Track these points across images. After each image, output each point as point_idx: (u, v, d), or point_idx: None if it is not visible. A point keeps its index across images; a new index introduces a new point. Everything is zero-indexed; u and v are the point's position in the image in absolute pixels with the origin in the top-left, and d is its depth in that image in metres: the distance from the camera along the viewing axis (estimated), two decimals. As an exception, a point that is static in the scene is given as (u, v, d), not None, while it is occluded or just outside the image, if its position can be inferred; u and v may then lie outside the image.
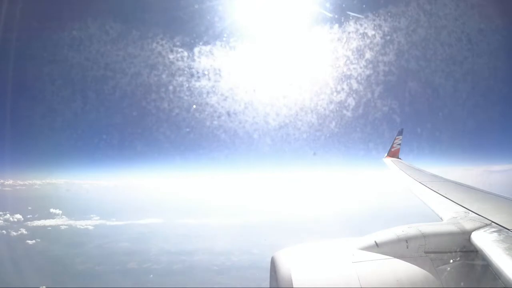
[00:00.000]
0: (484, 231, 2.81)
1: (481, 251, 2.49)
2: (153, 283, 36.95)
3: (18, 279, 31.28)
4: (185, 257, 43.67)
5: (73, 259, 41.53)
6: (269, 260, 2.63)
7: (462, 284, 2.53)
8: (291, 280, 2.32)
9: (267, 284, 2.68)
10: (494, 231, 2.78)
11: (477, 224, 2.95)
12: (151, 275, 38.56)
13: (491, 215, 3.23)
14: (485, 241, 2.59)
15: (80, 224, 58.28)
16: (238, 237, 49.63)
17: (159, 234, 52.77)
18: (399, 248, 2.62)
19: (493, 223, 3.01)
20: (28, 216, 56.71)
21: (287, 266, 2.41)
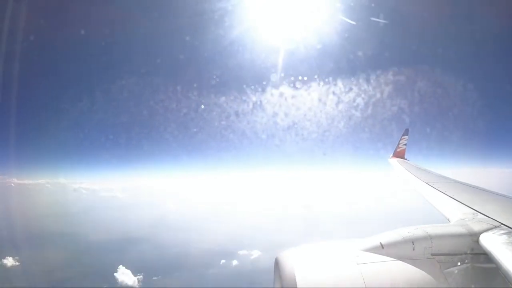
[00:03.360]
0: (493, 233, 2.76)
1: (490, 253, 2.44)
2: (156, 283, 37.21)
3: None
4: (187, 256, 43.87)
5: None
6: (273, 260, 2.61)
7: (470, 287, 2.48)
8: (295, 281, 2.30)
9: (271, 284, 2.67)
10: (503, 233, 2.72)
11: (486, 226, 2.89)
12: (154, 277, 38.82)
13: (500, 217, 3.17)
14: (495, 244, 2.54)
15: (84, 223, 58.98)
16: (241, 237, 49.68)
17: (164, 233, 53.10)
18: (405, 249, 2.57)
19: (502, 225, 2.95)
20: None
21: (291, 267, 2.39)
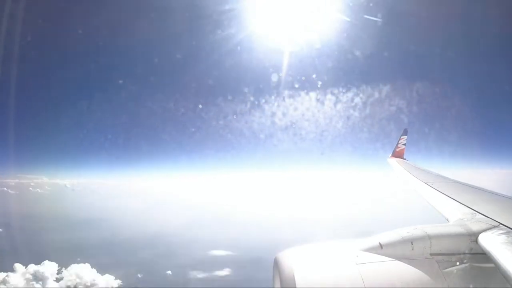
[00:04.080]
0: (492, 233, 2.76)
1: (489, 253, 2.44)
2: (155, 283, 37.15)
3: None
4: (186, 256, 43.82)
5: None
6: (272, 260, 2.61)
7: (469, 287, 2.49)
8: (294, 280, 2.30)
9: (270, 284, 2.67)
10: (502, 233, 2.72)
11: (485, 226, 2.90)
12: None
13: (499, 217, 3.17)
14: (493, 243, 2.54)
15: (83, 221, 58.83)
16: (241, 237, 49.67)
17: (162, 233, 53.02)
18: (404, 249, 2.58)
19: (501, 225, 2.96)
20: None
21: (290, 267, 2.39)
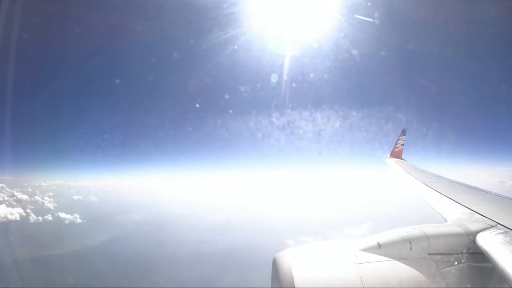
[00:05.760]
0: (490, 232, 2.77)
1: (487, 253, 2.45)
2: (153, 283, 37.08)
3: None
4: (186, 256, 43.78)
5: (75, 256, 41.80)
6: (271, 260, 2.61)
7: (467, 286, 2.50)
8: (293, 280, 2.30)
9: (269, 284, 2.66)
10: (500, 233, 2.74)
11: (483, 226, 2.91)
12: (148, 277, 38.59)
13: (496, 217, 3.19)
14: (491, 243, 2.55)
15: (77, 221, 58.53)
16: (240, 237, 49.66)
17: (160, 234, 52.94)
18: (403, 249, 2.59)
19: (498, 225, 2.97)
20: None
21: (289, 266, 2.39)
